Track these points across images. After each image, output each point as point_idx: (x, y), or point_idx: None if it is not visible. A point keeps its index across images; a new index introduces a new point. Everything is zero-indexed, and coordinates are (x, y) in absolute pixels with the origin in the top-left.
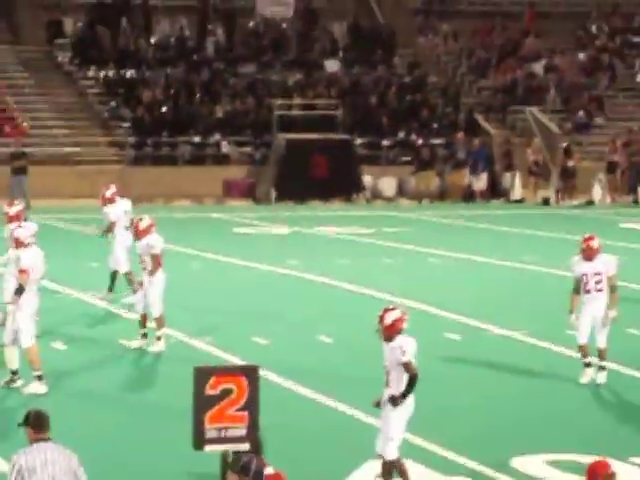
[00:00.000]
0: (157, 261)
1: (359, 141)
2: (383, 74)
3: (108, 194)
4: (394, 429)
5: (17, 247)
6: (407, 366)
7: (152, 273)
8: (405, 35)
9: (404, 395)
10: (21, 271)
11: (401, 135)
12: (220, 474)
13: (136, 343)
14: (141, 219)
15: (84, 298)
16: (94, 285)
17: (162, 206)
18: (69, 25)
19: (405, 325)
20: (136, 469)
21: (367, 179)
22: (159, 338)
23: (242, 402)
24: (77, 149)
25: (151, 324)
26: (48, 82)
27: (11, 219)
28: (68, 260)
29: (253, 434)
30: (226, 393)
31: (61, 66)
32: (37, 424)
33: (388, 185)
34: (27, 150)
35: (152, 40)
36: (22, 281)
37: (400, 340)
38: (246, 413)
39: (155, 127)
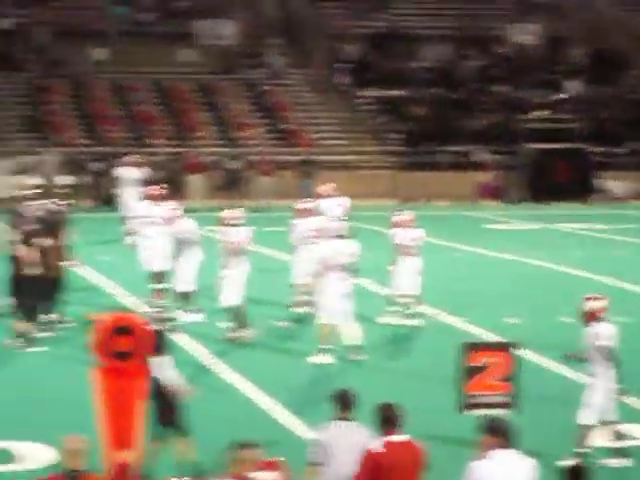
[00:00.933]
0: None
1: (595, 149)
2: (616, 91)
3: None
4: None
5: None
6: (600, 349)
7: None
8: (636, 57)
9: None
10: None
11: (633, 144)
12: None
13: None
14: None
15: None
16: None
17: (425, 205)
18: (349, 51)
19: (603, 314)
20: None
21: (602, 182)
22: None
23: (503, 373)
24: (355, 157)
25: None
26: (330, 100)
27: (301, 213)
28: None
29: (512, 401)
30: (488, 365)
31: (341, 86)
32: (343, 403)
33: (620, 188)
34: (313, 158)
35: (418, 64)
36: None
37: (597, 326)
38: (506, 383)
39: (421, 138)
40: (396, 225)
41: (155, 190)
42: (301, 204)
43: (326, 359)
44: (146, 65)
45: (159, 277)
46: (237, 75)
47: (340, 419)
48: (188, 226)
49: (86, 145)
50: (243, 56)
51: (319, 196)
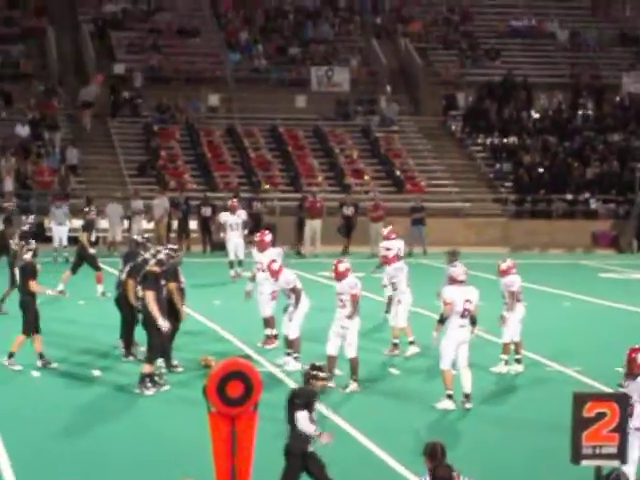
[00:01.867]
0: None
1: None
2: None
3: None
4: None
5: (450, 283)
6: None
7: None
8: None
9: None
10: (445, 303)
11: None
12: None
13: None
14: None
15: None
16: None
17: (538, 254)
18: (461, 99)
19: None
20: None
21: None
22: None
23: (614, 424)
24: (466, 204)
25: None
26: (442, 147)
27: (389, 261)
28: None
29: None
30: (600, 416)
31: (454, 134)
32: (430, 454)
33: None
34: (425, 204)
35: (532, 112)
36: (445, 312)
37: None
38: (617, 434)
39: (533, 186)
40: (505, 272)
41: (261, 237)
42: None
43: (450, 405)
44: (261, 111)
45: (270, 323)
46: (351, 122)
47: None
48: (287, 277)
49: (199, 190)
50: (357, 103)
51: (386, 238)
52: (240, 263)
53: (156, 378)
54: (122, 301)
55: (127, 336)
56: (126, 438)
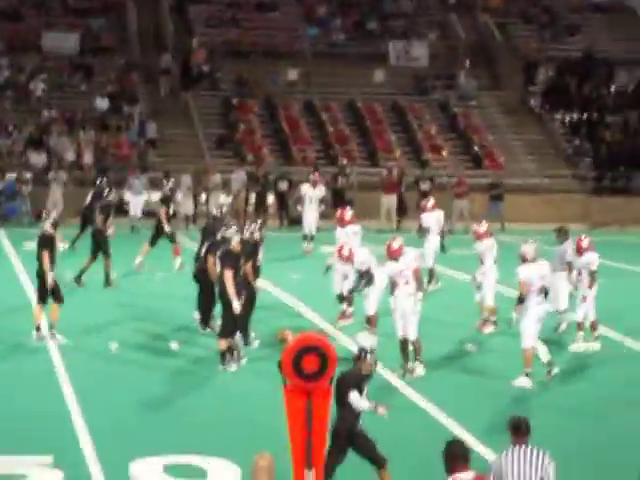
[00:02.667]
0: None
1: None
2: None
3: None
4: None
5: (523, 262)
6: None
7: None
8: None
9: None
10: (521, 283)
11: None
12: None
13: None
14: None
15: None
16: None
17: (617, 232)
18: (541, 74)
19: None
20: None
21: None
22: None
23: None
24: (545, 180)
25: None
26: (521, 123)
27: (480, 236)
28: None
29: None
30: None
31: (533, 109)
32: (514, 429)
33: None
34: (503, 180)
35: (612, 88)
36: (522, 292)
37: None
38: None
39: (613, 162)
40: (585, 250)
41: (342, 213)
42: (481, 226)
43: (528, 383)
44: (339, 85)
45: (347, 299)
46: (429, 97)
47: (515, 445)
48: (361, 258)
49: (277, 164)
50: (435, 78)
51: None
52: (312, 238)
53: (234, 352)
54: (201, 275)
55: (205, 309)
56: (202, 412)
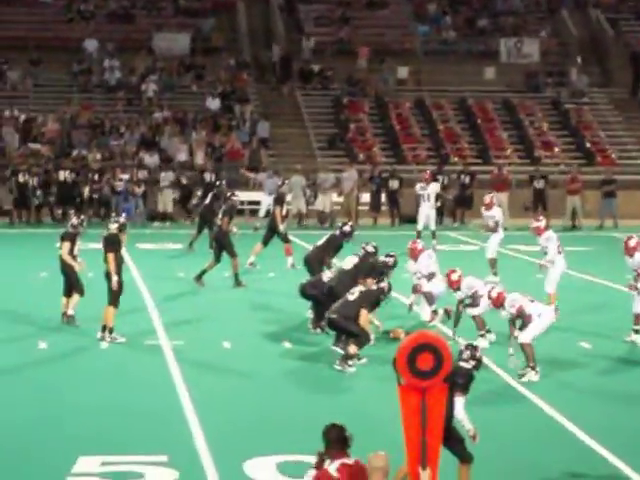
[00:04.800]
0: None
1: None
2: None
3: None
4: None
5: None
6: None
7: None
8: None
9: None
10: None
11: None
12: None
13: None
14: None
15: None
16: None
17: None
18: None
19: None
20: None
21: None
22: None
23: None
24: None
25: None
26: (633, 119)
27: (540, 231)
28: None
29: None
30: None
31: None
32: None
33: None
34: (616, 177)
35: None
36: None
37: None
38: None
39: None
40: (634, 250)
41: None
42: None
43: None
44: (450, 83)
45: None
46: (541, 94)
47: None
48: (424, 261)
49: (388, 163)
50: (546, 74)
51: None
52: (433, 234)
53: (355, 360)
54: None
55: (318, 310)
56: (315, 410)
